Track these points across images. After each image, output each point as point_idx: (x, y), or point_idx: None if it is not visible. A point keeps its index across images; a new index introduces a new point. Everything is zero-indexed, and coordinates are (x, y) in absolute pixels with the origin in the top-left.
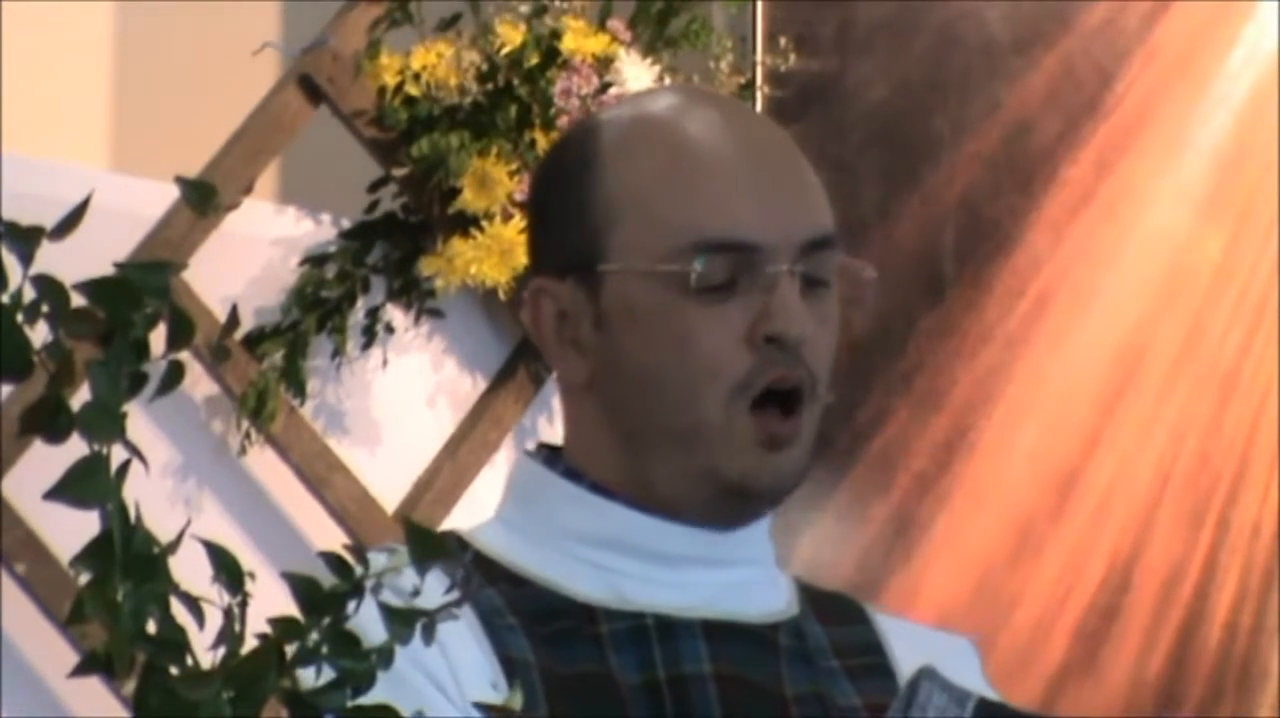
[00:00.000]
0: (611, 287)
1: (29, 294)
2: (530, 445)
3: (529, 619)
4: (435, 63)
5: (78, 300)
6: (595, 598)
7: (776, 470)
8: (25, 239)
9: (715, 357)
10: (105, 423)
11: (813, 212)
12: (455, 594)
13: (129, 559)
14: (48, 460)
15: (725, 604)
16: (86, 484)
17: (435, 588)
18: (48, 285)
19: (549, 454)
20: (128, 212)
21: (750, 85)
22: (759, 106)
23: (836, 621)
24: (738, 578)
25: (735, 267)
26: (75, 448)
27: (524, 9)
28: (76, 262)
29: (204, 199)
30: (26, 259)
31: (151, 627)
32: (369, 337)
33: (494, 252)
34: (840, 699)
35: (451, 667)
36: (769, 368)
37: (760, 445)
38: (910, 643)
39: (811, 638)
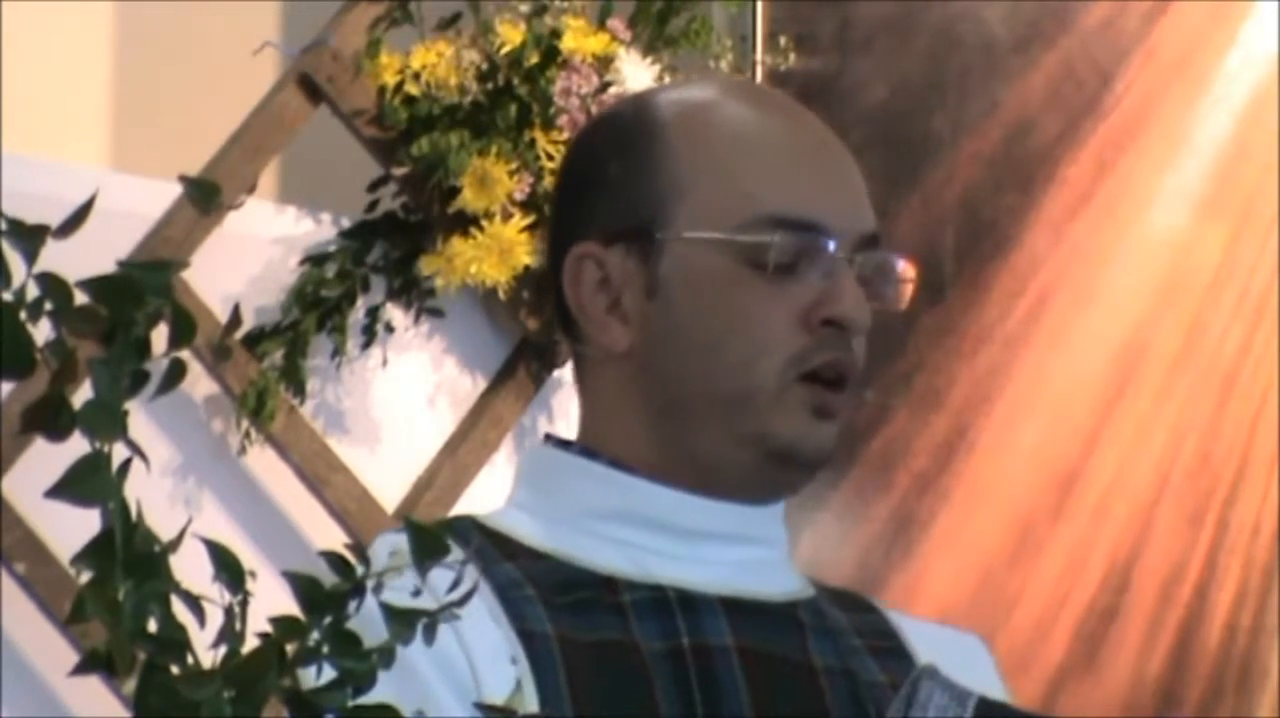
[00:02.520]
0: (672, 254)
1: (32, 292)
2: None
3: (548, 590)
4: (435, 62)
5: (80, 298)
6: (616, 570)
7: (821, 439)
8: (29, 238)
9: (774, 331)
10: (107, 421)
11: (867, 205)
12: (456, 595)
13: (130, 558)
14: (48, 459)
15: (744, 582)
16: (88, 483)
17: (442, 577)
18: (51, 283)
19: (560, 442)
20: (127, 211)
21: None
22: None
23: (850, 607)
24: (755, 556)
25: (802, 247)
26: (75, 447)
27: (524, 8)
28: (75, 260)
29: (208, 198)
30: (31, 257)
31: (152, 626)
32: (369, 336)
33: (494, 251)
34: (865, 676)
35: (466, 649)
36: (824, 349)
37: (811, 412)
38: (924, 638)
39: (831, 618)
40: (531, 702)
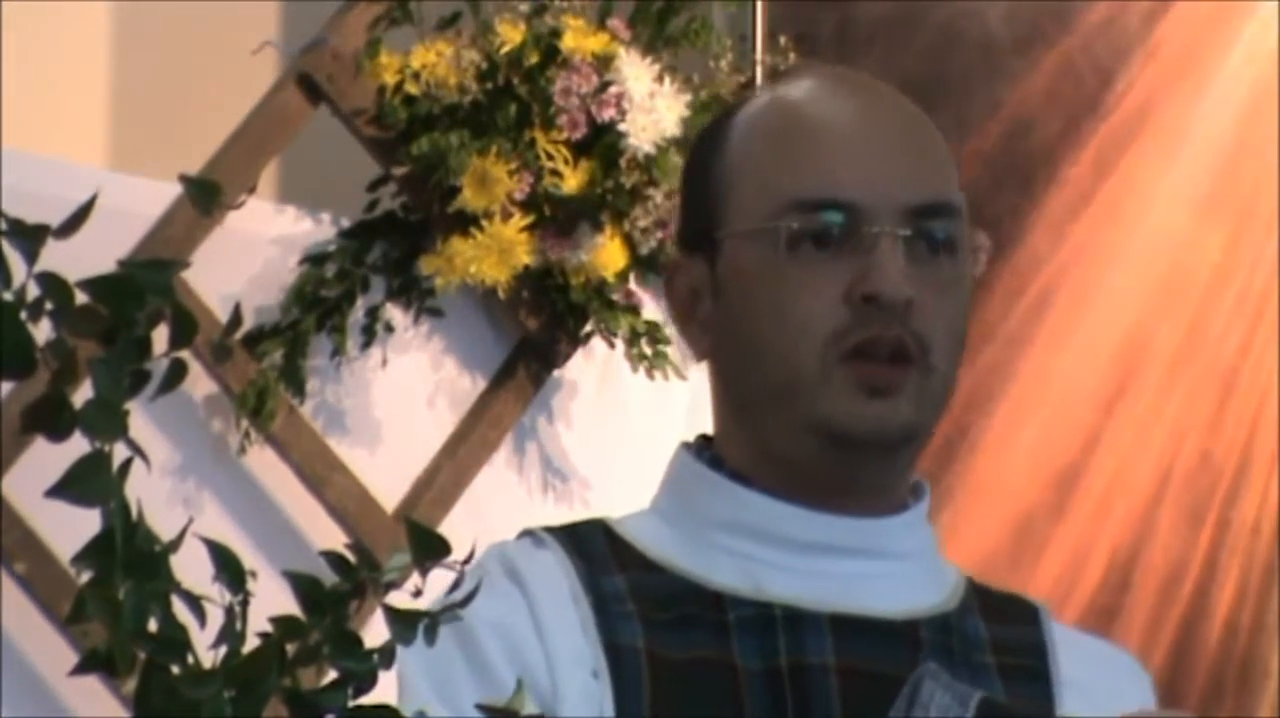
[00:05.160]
0: (724, 254)
1: (32, 291)
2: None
3: (651, 606)
4: (435, 62)
5: (81, 298)
6: (729, 586)
7: (879, 417)
8: (30, 237)
9: (811, 313)
10: (108, 421)
11: (926, 177)
12: (457, 596)
13: (130, 558)
14: (48, 459)
15: (857, 597)
16: (89, 482)
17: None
18: (52, 283)
19: (701, 443)
20: (126, 210)
21: (750, 84)
22: None
23: (1004, 620)
24: (875, 570)
25: (835, 226)
26: (74, 447)
27: (524, 8)
28: (74, 260)
29: (209, 198)
30: (31, 257)
31: (153, 625)
32: (368, 336)
33: (493, 250)
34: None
35: (549, 654)
36: (863, 326)
37: (860, 391)
38: (1078, 654)
39: (963, 634)
40: (607, 711)
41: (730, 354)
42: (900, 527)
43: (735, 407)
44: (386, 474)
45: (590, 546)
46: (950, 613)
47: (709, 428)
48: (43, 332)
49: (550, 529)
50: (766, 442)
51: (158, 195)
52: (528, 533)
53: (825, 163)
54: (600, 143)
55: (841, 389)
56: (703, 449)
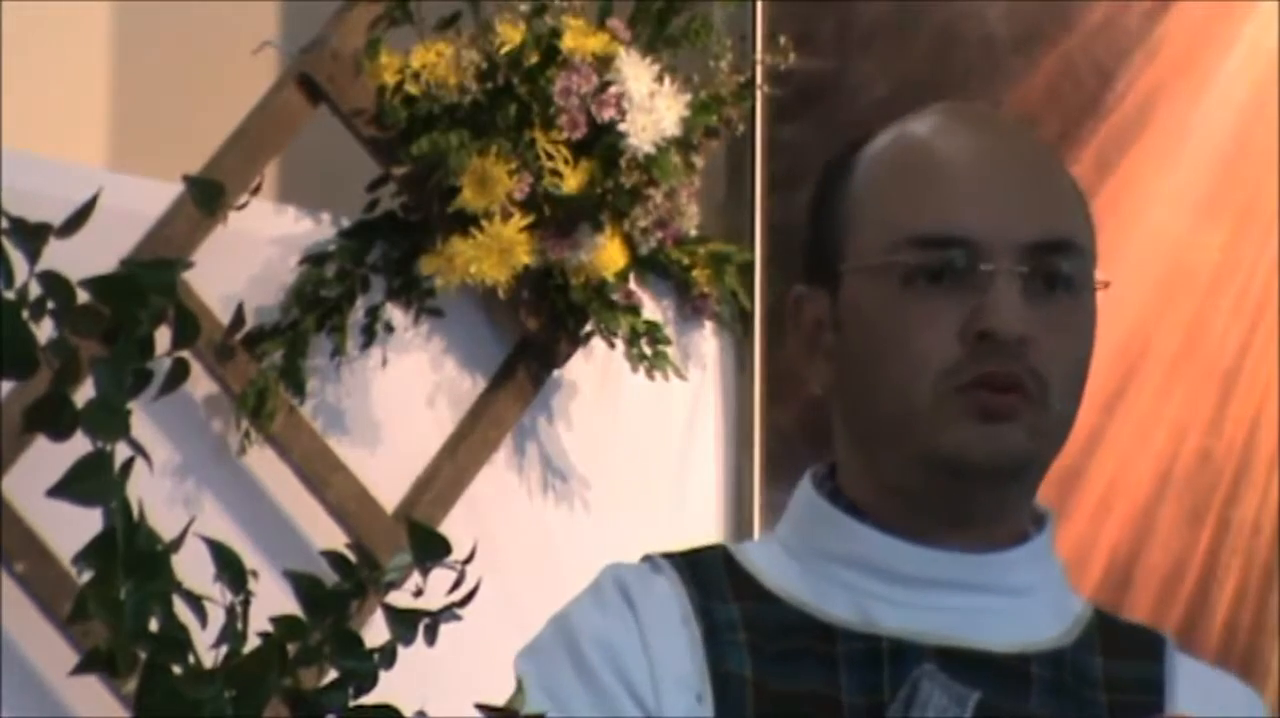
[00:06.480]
0: (845, 288)
1: (34, 291)
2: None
3: (762, 636)
4: (435, 62)
5: (83, 297)
6: (840, 619)
7: (993, 441)
8: (32, 237)
9: (926, 348)
10: (110, 420)
11: (1046, 214)
12: (457, 596)
13: (131, 557)
14: (48, 459)
15: (966, 631)
16: (90, 482)
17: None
18: (54, 282)
19: (825, 472)
20: (125, 210)
21: (750, 84)
22: (759, 105)
23: (1123, 654)
24: (987, 604)
25: (952, 263)
26: (74, 447)
27: (523, 8)
28: (73, 260)
29: (211, 198)
30: (33, 256)
31: (154, 625)
32: (368, 336)
33: (493, 250)
34: None
35: (654, 674)
36: (978, 362)
37: (973, 418)
38: (1198, 687)
39: (1077, 669)
40: None
41: (849, 387)
42: (1015, 560)
43: (854, 439)
44: (386, 474)
45: (708, 573)
46: (1065, 648)
47: (709, 429)
48: (44, 331)
49: (669, 555)
50: (882, 475)
51: (158, 195)
52: (647, 558)
53: (943, 200)
54: (600, 143)
55: (955, 418)
56: (825, 480)
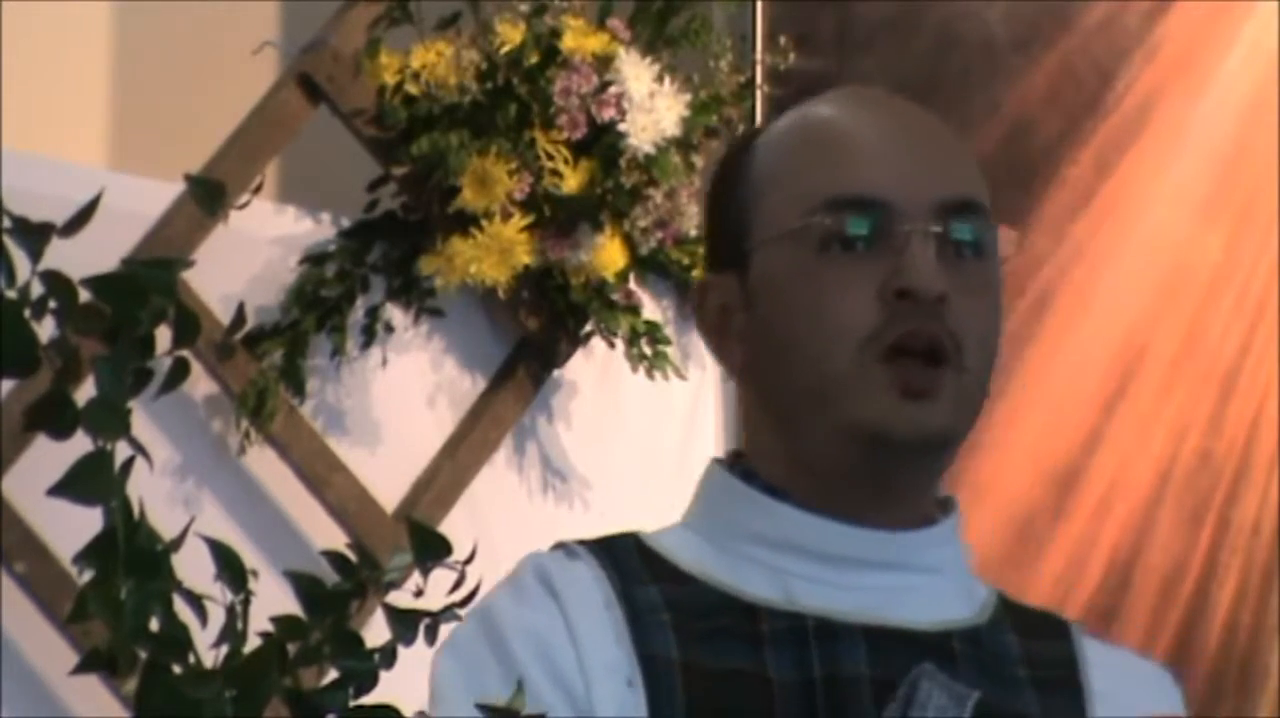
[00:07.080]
0: (755, 264)
1: (36, 290)
2: (720, 453)
3: (685, 616)
4: (435, 62)
5: (84, 297)
6: (762, 598)
7: (915, 419)
8: (34, 236)
9: (845, 312)
10: (111, 420)
11: (952, 175)
12: (458, 596)
13: (132, 557)
14: (48, 459)
15: (891, 610)
16: (91, 481)
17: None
18: (55, 282)
19: (734, 457)
20: (125, 210)
21: (750, 84)
22: (759, 105)
23: (1035, 634)
24: (908, 583)
25: (866, 225)
26: (75, 446)
27: (523, 8)
28: (73, 260)
29: (212, 198)
30: (35, 256)
31: (154, 625)
32: (368, 336)
33: (493, 250)
34: (1014, 708)
35: (582, 661)
36: (899, 322)
37: (896, 393)
38: (1109, 667)
39: (995, 647)
40: None
41: (764, 363)
42: (931, 540)
43: (769, 417)
44: (386, 474)
45: (623, 557)
46: (981, 626)
47: (709, 429)
48: (46, 330)
49: (583, 541)
50: (800, 451)
51: (158, 195)
52: (560, 545)
53: (855, 163)
54: (600, 143)
55: (878, 392)
56: (735, 463)
